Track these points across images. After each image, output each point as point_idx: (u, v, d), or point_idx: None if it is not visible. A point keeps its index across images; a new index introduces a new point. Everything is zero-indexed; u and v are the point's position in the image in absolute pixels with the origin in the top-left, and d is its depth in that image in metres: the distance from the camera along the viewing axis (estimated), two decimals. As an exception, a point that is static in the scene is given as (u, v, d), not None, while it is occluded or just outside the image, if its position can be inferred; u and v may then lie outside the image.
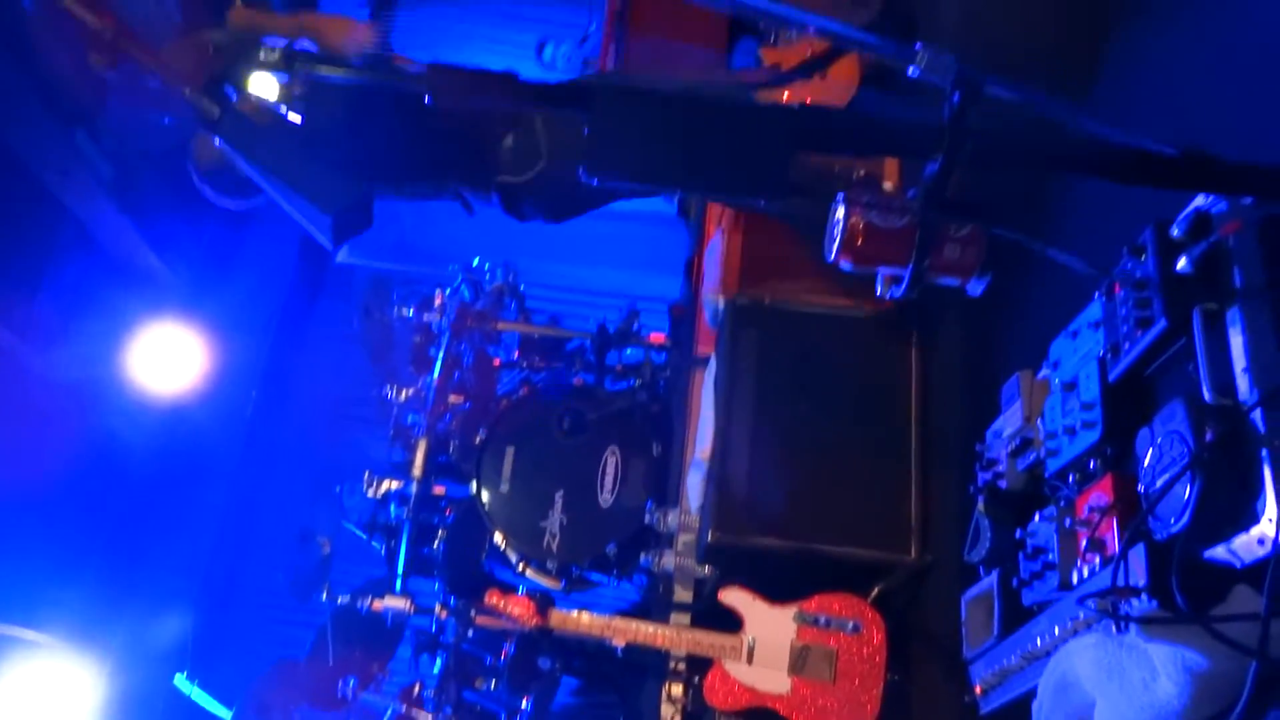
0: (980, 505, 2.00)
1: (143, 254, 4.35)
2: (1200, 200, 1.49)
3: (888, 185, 2.73)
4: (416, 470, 3.74)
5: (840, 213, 1.23)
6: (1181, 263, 1.48)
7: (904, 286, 1.26)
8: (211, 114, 1.17)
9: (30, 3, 2.76)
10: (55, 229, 4.08)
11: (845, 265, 1.26)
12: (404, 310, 3.98)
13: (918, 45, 1.40)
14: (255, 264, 4.67)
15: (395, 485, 3.72)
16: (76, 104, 3.12)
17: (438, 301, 4.03)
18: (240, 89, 1.22)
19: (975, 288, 1.28)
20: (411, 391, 3.91)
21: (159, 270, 4.43)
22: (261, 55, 1.22)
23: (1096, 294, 1.72)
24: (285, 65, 1.21)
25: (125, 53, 1.19)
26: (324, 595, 3.46)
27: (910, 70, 1.41)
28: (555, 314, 4.64)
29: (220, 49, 1.19)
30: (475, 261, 4.26)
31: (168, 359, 4.16)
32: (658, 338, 4.09)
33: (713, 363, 3.31)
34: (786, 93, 3.83)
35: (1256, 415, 1.35)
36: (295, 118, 1.31)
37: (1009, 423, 1.98)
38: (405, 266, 4.66)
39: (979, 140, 1.15)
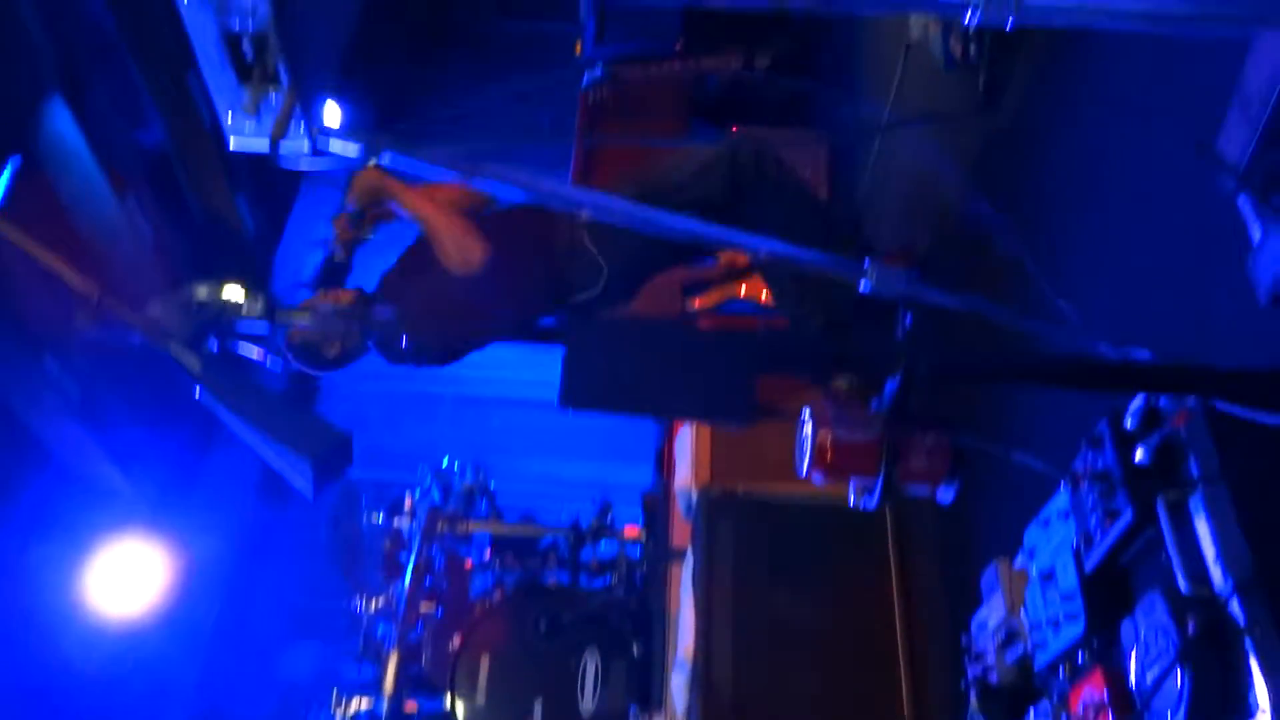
0: (973, 702, 1.96)
1: (106, 471, 4.29)
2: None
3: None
4: (388, 686, 3.59)
5: (809, 429, 1.27)
6: (1139, 454, 1.52)
7: (875, 497, 1.29)
8: (193, 367, 1.20)
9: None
10: (17, 451, 4.04)
11: (817, 478, 1.29)
12: (374, 517, 3.94)
13: (866, 262, 1.50)
14: (220, 476, 4.62)
15: (365, 704, 3.56)
16: (48, 336, 3.16)
17: (408, 506, 3.99)
18: (223, 340, 1.26)
19: (945, 494, 1.31)
20: (382, 601, 3.81)
21: (122, 487, 4.35)
22: (244, 308, 1.27)
23: (1062, 483, 1.76)
24: (267, 316, 1.26)
25: (109, 311, 1.23)
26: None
27: (862, 285, 1.50)
28: (527, 509, 4.60)
29: (203, 304, 1.23)
30: (445, 462, 4.26)
31: (127, 578, 4.02)
32: (632, 531, 4.06)
33: (689, 556, 3.27)
34: (744, 286, 3.99)
35: (1234, 605, 1.36)
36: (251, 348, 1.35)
37: (992, 614, 1.97)
38: (374, 474, 4.63)
39: (934, 357, 1.21)
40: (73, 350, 3.34)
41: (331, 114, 1.52)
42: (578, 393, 1.19)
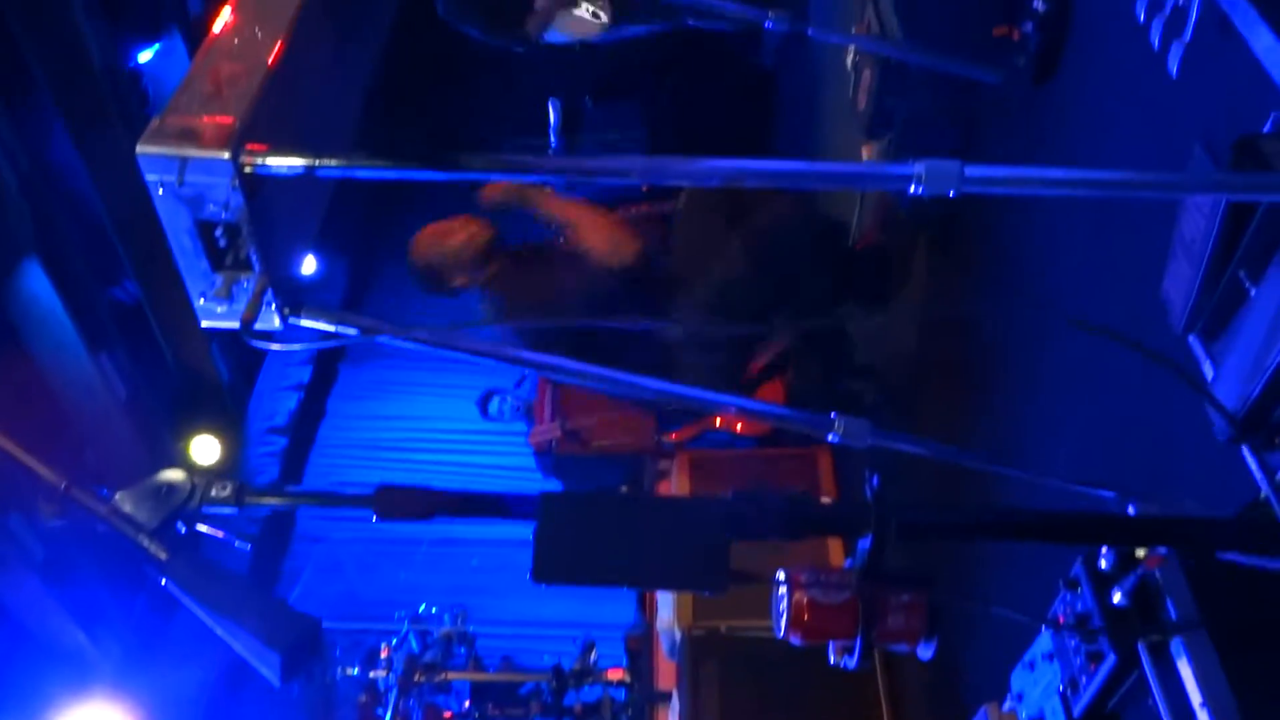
0: None
1: (70, 633, 4.15)
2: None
3: None
4: None
5: (783, 591, 1.27)
6: (1117, 596, 1.52)
7: (855, 657, 1.27)
8: (160, 557, 1.19)
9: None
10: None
11: (795, 641, 1.28)
12: (348, 670, 3.81)
13: (833, 415, 1.52)
14: (186, 635, 4.47)
15: None
16: (14, 493, 3.12)
17: (384, 655, 3.88)
18: (190, 525, 1.25)
19: (924, 651, 1.30)
20: (357, 761, 3.66)
21: (86, 649, 4.20)
22: (214, 492, 1.26)
23: (1044, 625, 1.74)
24: (235, 501, 1.25)
25: (76, 502, 1.22)
26: None
27: (829, 437, 1.52)
28: (508, 653, 4.48)
29: (173, 488, 1.23)
30: (422, 607, 4.16)
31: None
32: (616, 673, 3.96)
33: (675, 698, 3.19)
34: (719, 418, 4.02)
35: (1226, 754, 1.34)
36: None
37: (985, 760, 1.92)
38: (348, 624, 4.48)
39: (904, 515, 1.23)
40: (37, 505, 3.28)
41: (307, 264, 1.56)
42: (550, 568, 1.19)
